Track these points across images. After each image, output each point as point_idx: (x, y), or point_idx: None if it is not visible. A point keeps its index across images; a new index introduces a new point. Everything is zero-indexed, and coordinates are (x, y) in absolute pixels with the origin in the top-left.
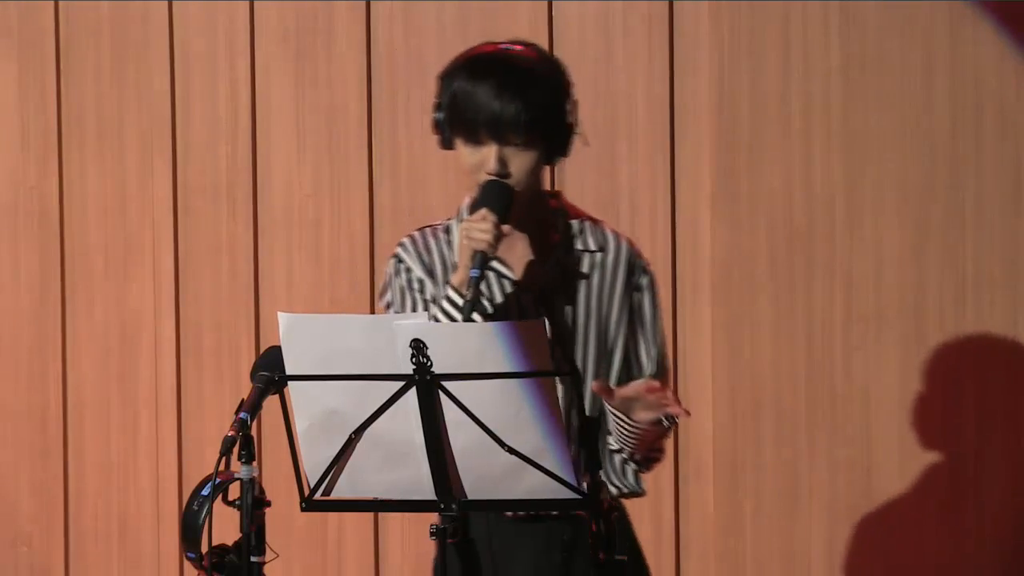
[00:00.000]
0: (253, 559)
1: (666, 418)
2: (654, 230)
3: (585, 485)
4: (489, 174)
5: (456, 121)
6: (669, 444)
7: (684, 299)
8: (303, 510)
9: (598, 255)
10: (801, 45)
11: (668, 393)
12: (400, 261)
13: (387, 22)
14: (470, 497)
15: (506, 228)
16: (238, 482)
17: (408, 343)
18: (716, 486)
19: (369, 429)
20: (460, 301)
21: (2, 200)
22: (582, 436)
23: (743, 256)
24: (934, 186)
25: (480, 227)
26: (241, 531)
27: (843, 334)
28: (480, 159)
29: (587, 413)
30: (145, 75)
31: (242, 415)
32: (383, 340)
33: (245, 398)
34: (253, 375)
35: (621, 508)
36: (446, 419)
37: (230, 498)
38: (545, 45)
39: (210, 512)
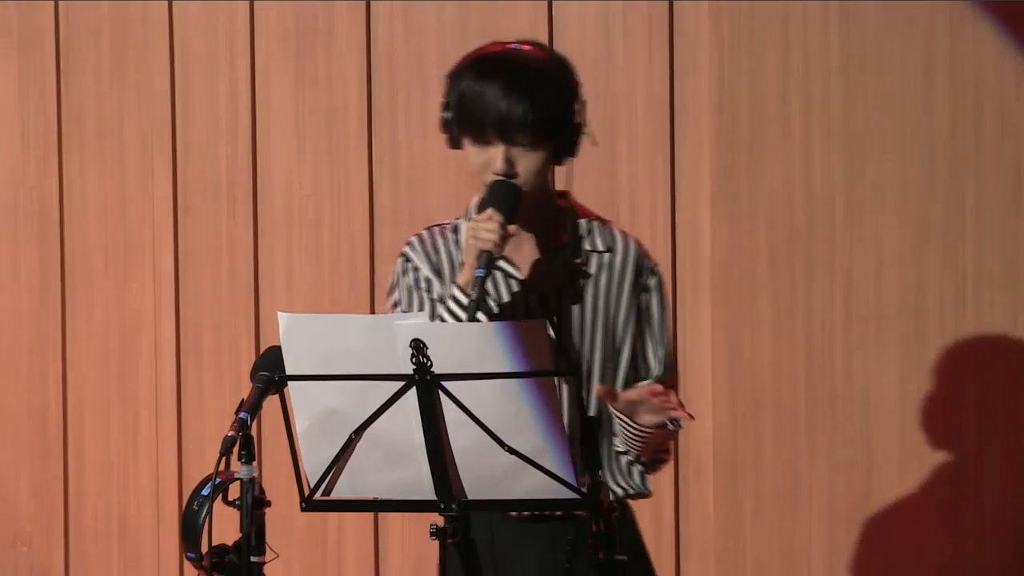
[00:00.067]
0: (253, 559)
1: (671, 421)
2: (654, 230)
3: (585, 485)
4: (496, 174)
5: (464, 121)
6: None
7: (684, 299)
8: (303, 510)
9: (606, 255)
10: (801, 45)
11: (672, 397)
12: (408, 260)
13: (387, 22)
14: (470, 497)
15: (512, 228)
16: (238, 482)
17: (408, 343)
18: (716, 486)
19: (369, 429)
20: (465, 300)
21: (2, 200)
22: (582, 436)
23: (743, 256)
24: (934, 186)
25: (486, 227)
26: (241, 531)
27: (843, 334)
28: (487, 159)
29: (590, 413)
30: (145, 75)
31: (242, 415)
32: (383, 340)
33: (245, 398)
34: (253, 375)
35: (627, 508)
36: (446, 419)
37: (230, 498)
38: None
39: (210, 512)
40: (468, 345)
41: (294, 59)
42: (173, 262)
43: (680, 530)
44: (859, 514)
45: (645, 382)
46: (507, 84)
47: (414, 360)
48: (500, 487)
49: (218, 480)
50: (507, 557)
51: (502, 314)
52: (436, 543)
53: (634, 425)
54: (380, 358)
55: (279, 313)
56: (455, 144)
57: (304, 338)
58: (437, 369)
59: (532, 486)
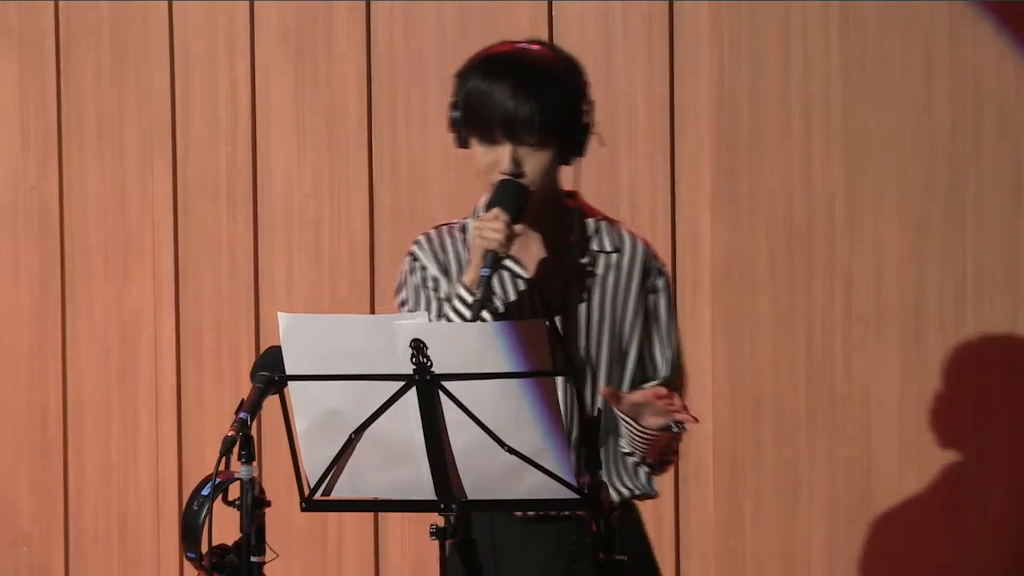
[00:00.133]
0: (253, 559)
1: (675, 424)
2: (654, 230)
3: (585, 486)
4: (503, 174)
5: (471, 120)
6: None
7: (684, 299)
8: (303, 510)
9: (613, 256)
10: (801, 45)
11: (676, 400)
12: (415, 259)
13: (387, 22)
14: (470, 497)
15: (519, 227)
16: (238, 482)
17: (408, 343)
18: (716, 486)
19: (369, 429)
20: (470, 300)
21: (2, 200)
22: (583, 436)
23: (743, 256)
24: (934, 186)
25: (492, 226)
26: (241, 531)
27: (843, 334)
28: (495, 158)
29: (591, 413)
30: (145, 75)
31: (242, 415)
32: (383, 340)
33: (245, 398)
34: (253, 375)
35: (633, 509)
36: (446, 419)
37: (230, 498)
38: None
39: (210, 512)
40: (468, 345)
41: (294, 59)
42: (173, 262)
43: (680, 530)
44: (859, 514)
45: (652, 383)
46: (514, 84)
47: (414, 360)
48: (500, 487)
49: (218, 480)
50: (511, 558)
51: (508, 314)
52: (436, 543)
53: (638, 427)
54: (380, 358)
55: (279, 313)
56: (463, 144)
57: (304, 338)
58: (437, 369)
59: (532, 486)
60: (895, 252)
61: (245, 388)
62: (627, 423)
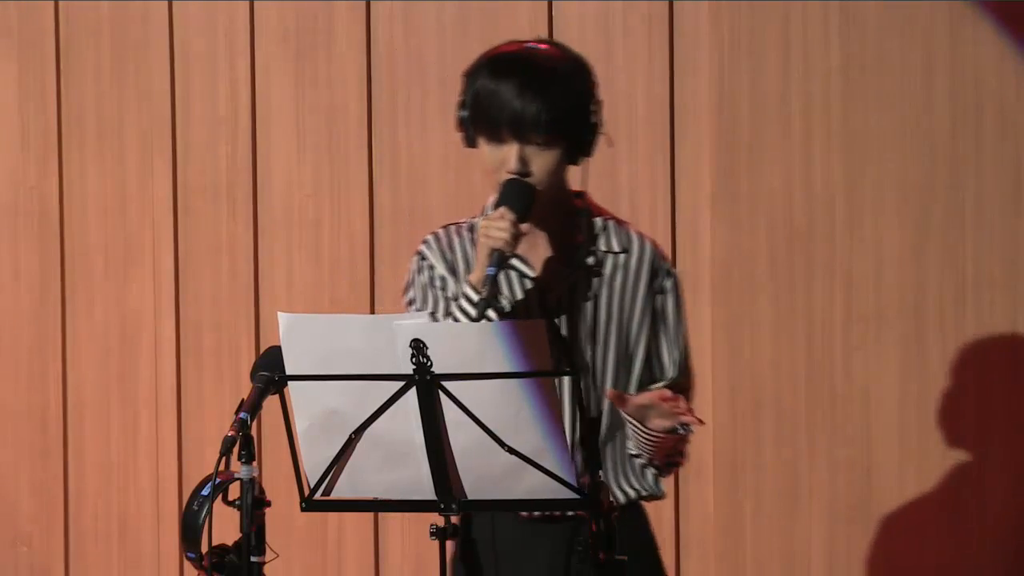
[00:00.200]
0: (253, 559)
1: (681, 426)
2: (654, 230)
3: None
4: (510, 173)
5: (478, 119)
6: None
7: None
8: (303, 510)
9: (621, 256)
10: (801, 45)
11: (682, 402)
12: (423, 258)
13: (387, 22)
14: (470, 497)
15: (525, 227)
16: (238, 482)
17: (408, 343)
18: (716, 486)
19: (369, 429)
20: (476, 298)
21: (2, 200)
22: (583, 436)
23: (743, 256)
24: (934, 186)
25: (498, 225)
26: (241, 531)
27: (843, 334)
28: (502, 158)
29: (591, 414)
30: (145, 75)
31: (242, 415)
32: (383, 340)
33: (245, 398)
34: (253, 375)
35: (640, 510)
36: (446, 419)
37: (230, 498)
38: None
39: (210, 512)
40: (468, 345)
41: (294, 59)
42: (173, 262)
43: (680, 530)
44: (859, 514)
45: (659, 384)
46: (521, 83)
47: (414, 360)
48: (500, 487)
49: (218, 480)
50: (518, 558)
51: (514, 313)
52: (436, 543)
53: (644, 430)
54: (380, 358)
55: (279, 313)
56: (470, 143)
57: (304, 338)
58: (437, 369)
59: (532, 486)
60: (895, 252)
61: (245, 388)
62: (633, 425)
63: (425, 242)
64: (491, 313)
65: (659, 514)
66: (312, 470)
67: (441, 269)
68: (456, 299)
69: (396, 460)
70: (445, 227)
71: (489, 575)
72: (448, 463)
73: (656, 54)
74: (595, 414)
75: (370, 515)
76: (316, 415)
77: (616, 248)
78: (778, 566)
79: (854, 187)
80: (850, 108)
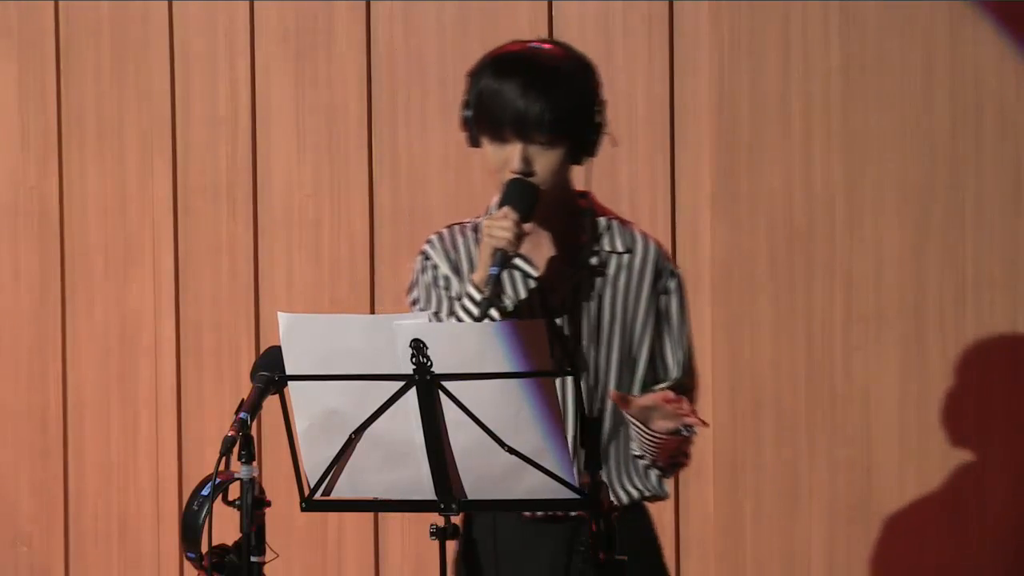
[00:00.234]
0: (253, 559)
1: (684, 428)
2: (654, 230)
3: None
4: (513, 172)
5: (482, 119)
6: None
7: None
8: (303, 510)
9: (625, 256)
10: (801, 45)
11: (685, 404)
12: (427, 258)
13: (387, 22)
14: (470, 497)
15: (528, 226)
16: (238, 482)
17: (408, 343)
18: (716, 486)
19: (369, 429)
20: (478, 297)
21: (2, 200)
22: (583, 436)
23: (743, 256)
24: (934, 186)
25: (501, 225)
26: (241, 531)
27: (843, 334)
28: (505, 157)
29: (595, 414)
30: (145, 75)
31: (242, 415)
32: (383, 340)
33: (245, 398)
34: (253, 375)
35: (644, 510)
36: (446, 419)
37: (230, 498)
38: None
39: (210, 512)
40: (468, 345)
41: (294, 59)
42: (173, 262)
43: (680, 530)
44: (859, 514)
45: (663, 384)
46: (525, 82)
47: (414, 360)
48: (500, 487)
49: (218, 480)
50: (521, 558)
51: (518, 313)
52: (436, 543)
53: (648, 431)
54: (380, 358)
55: (279, 313)
56: (474, 142)
57: (304, 338)
58: (437, 369)
59: (532, 486)
60: (895, 252)
61: (245, 388)
62: (637, 427)
63: (429, 242)
64: (494, 313)
65: (659, 514)
66: (312, 470)
67: (445, 269)
68: (459, 299)
69: (396, 460)
70: (449, 227)
71: (492, 575)
72: (448, 463)
73: (656, 54)
74: (598, 414)
75: (370, 515)
76: (316, 415)
77: (620, 248)
78: (778, 566)
79: (854, 187)
80: (850, 108)
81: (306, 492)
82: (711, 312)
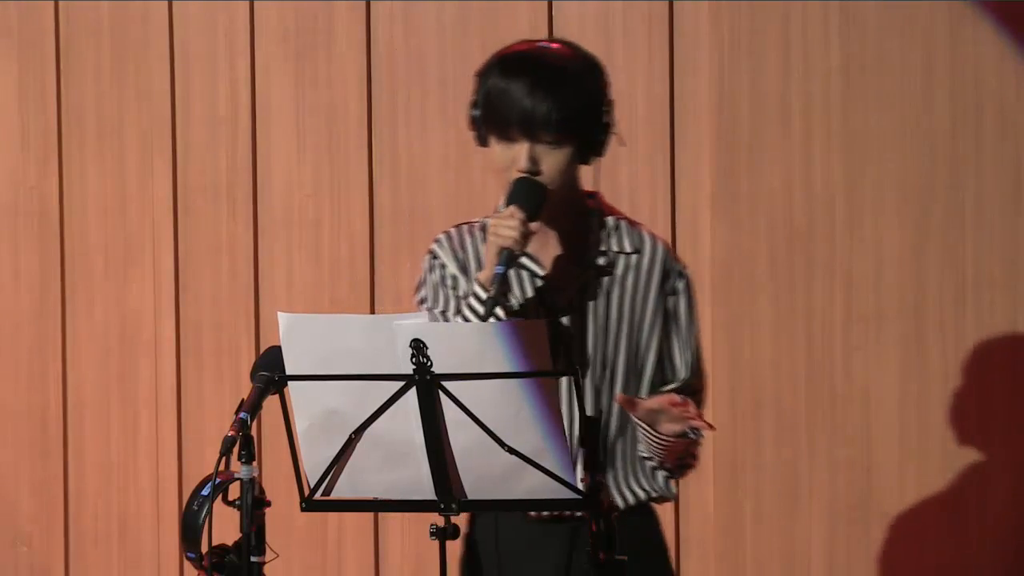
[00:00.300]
0: (253, 559)
1: (691, 431)
2: (654, 230)
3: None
4: (520, 171)
5: (489, 118)
6: None
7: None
8: (303, 510)
9: (633, 257)
10: (801, 45)
11: (691, 407)
12: (435, 257)
13: (387, 22)
14: (470, 497)
15: (534, 225)
16: (238, 482)
17: (408, 343)
18: (716, 486)
19: (369, 429)
20: (484, 296)
21: (2, 200)
22: (583, 436)
23: (743, 256)
24: (934, 186)
25: (507, 224)
26: (241, 531)
27: (843, 334)
28: (512, 156)
29: (603, 414)
30: (145, 75)
31: (242, 415)
32: (383, 340)
33: (245, 398)
34: (253, 375)
35: (651, 511)
36: (446, 419)
37: (230, 498)
38: None
39: (210, 512)
40: (468, 345)
41: (294, 59)
42: (173, 262)
43: (680, 530)
44: (859, 514)
45: (671, 385)
46: (532, 81)
47: (414, 360)
48: (500, 487)
49: (218, 480)
50: (526, 558)
51: (524, 312)
52: (436, 543)
53: (655, 434)
54: (380, 358)
55: (279, 313)
56: (482, 142)
57: (304, 338)
58: (437, 369)
59: (532, 486)
60: (895, 252)
61: (245, 388)
62: (643, 429)
63: (437, 241)
64: (500, 311)
65: (659, 514)
66: (312, 470)
67: (452, 268)
68: (466, 298)
69: (396, 460)
70: (457, 226)
71: (498, 575)
72: (448, 463)
73: (656, 54)
74: (605, 415)
75: (370, 515)
76: (316, 415)
77: (628, 248)
78: (778, 566)
79: (854, 187)
80: (850, 108)
81: (306, 492)
82: (711, 312)
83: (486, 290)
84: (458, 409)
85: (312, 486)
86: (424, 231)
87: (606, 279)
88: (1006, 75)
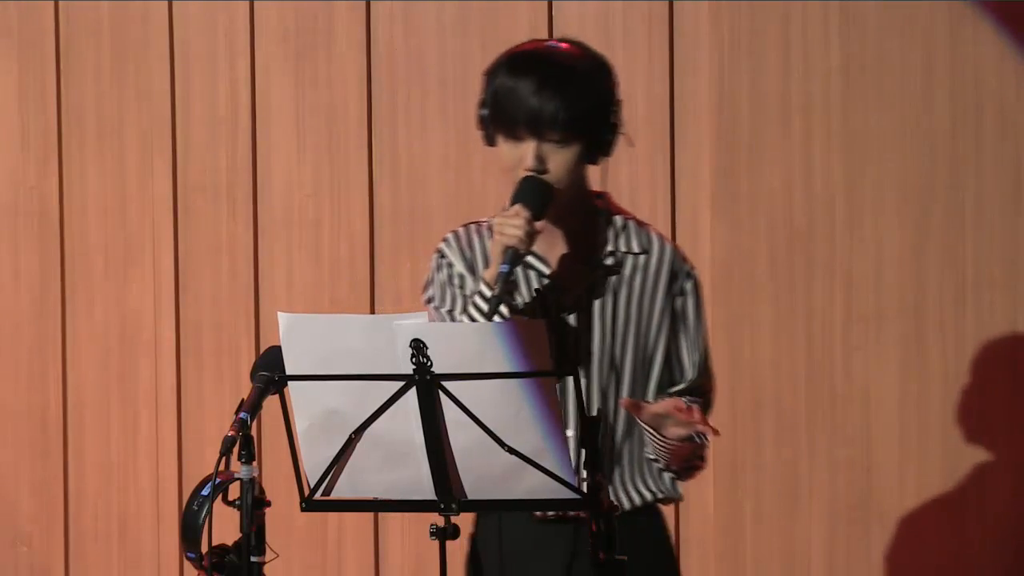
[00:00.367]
0: (253, 559)
1: (697, 435)
2: None
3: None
4: (527, 170)
5: (497, 117)
6: None
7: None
8: (303, 510)
9: (641, 257)
10: (801, 45)
11: (696, 413)
12: (442, 256)
13: (387, 22)
14: (470, 497)
15: (540, 224)
16: (238, 482)
17: (408, 343)
18: (716, 486)
19: (369, 429)
20: (488, 294)
21: (2, 200)
22: (584, 436)
23: (743, 256)
24: (934, 186)
25: (512, 223)
26: (241, 531)
27: (843, 334)
28: (519, 155)
29: (609, 415)
30: (145, 75)
31: (242, 415)
32: (383, 340)
33: (245, 398)
34: (253, 375)
35: (657, 512)
36: (446, 419)
37: (230, 498)
38: None
39: (210, 512)
40: (468, 345)
41: (294, 59)
42: (173, 262)
43: (680, 530)
44: (859, 514)
45: (678, 386)
46: (539, 80)
47: (414, 360)
48: (500, 487)
49: (218, 480)
50: (531, 558)
51: (530, 312)
52: (436, 543)
53: (661, 437)
54: (380, 358)
55: (279, 313)
56: (490, 141)
57: (304, 338)
58: (437, 369)
59: (532, 486)
60: (895, 252)
61: (245, 388)
62: (650, 433)
63: (445, 240)
64: (504, 310)
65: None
66: (312, 470)
67: (460, 267)
68: (472, 296)
69: (396, 460)
70: (465, 225)
71: (502, 575)
72: (448, 463)
73: (656, 54)
74: (612, 415)
75: (370, 515)
76: (316, 415)
77: (636, 249)
78: (778, 566)
79: (854, 187)
80: (850, 108)
81: (306, 492)
82: (711, 312)
83: (491, 288)
84: (458, 409)
85: (312, 486)
86: (424, 231)
87: (614, 279)
88: (1006, 75)
